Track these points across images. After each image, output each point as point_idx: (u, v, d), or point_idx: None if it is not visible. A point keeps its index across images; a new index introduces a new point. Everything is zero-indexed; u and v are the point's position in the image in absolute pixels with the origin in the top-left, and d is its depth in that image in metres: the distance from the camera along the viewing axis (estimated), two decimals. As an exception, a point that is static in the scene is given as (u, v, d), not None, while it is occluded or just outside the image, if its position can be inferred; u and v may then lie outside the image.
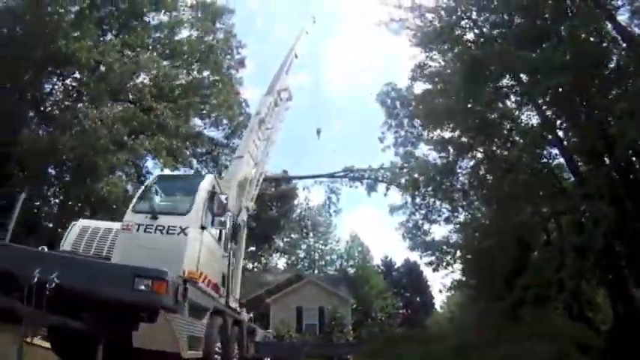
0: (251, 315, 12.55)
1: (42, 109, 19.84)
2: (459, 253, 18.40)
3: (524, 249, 14.88)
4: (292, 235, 46.14)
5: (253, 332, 11.05)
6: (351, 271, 42.61)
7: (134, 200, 6.99)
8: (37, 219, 17.02)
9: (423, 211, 19.03)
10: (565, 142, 12.97)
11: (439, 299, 48.59)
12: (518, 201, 13.21)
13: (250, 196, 12.49)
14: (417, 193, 18.21)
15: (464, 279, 20.15)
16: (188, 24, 22.03)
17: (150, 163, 20.66)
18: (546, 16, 12.03)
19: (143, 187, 7.23)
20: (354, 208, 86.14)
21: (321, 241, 50.21)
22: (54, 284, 4.67)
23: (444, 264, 18.91)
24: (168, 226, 6.20)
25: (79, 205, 17.64)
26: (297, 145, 60.41)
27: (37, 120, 19.64)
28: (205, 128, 23.93)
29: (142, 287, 4.66)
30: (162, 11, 21.09)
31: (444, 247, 18.88)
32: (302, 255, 50.88)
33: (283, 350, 13.21)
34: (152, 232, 6.22)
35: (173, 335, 5.19)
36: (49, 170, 18.60)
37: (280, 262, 48.60)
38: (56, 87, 20.72)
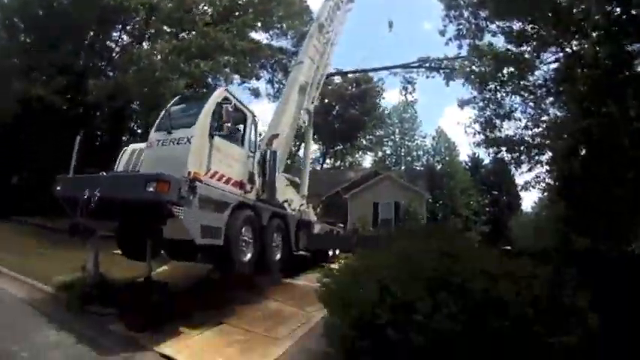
0: (311, 208, 13.48)
1: (111, 59, 22.60)
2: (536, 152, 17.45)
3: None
4: (376, 133, 46.43)
5: (308, 225, 11.89)
6: (438, 167, 42.33)
7: (157, 121, 7.94)
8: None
9: (494, 107, 18.01)
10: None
11: (528, 199, 47.09)
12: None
13: (311, 99, 13.01)
14: (485, 87, 17.26)
15: (548, 180, 19.13)
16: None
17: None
18: None
19: (164, 109, 8.02)
20: (442, 107, 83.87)
21: (407, 138, 50.07)
22: (97, 198, 6.26)
23: (522, 162, 18.11)
24: (179, 138, 7.12)
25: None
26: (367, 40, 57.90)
27: (109, 69, 22.38)
28: (272, 40, 24.91)
29: (151, 188, 5.88)
30: None
31: (520, 146, 17.90)
32: (389, 152, 51.39)
33: (334, 241, 14.13)
34: (167, 145, 7.24)
35: (184, 225, 6.18)
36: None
37: (367, 159, 49.56)
38: (121, 36, 23.34)
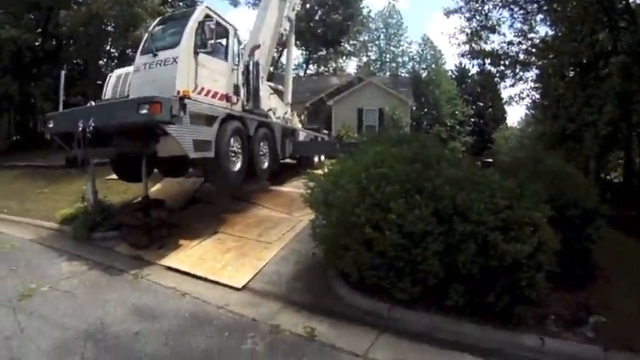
0: (295, 116, 13.78)
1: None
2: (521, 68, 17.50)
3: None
4: (360, 38, 45.25)
5: (293, 133, 12.34)
6: (423, 74, 41.85)
7: (141, 44, 8.00)
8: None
9: (480, 19, 17.73)
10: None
11: (512, 114, 47.18)
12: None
13: (292, 5, 12.78)
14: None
15: (533, 97, 19.29)
16: None
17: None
18: None
19: (147, 32, 8.05)
20: (430, 12, 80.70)
21: (392, 43, 49.03)
22: (91, 127, 6.56)
23: (507, 77, 18.20)
24: (165, 59, 7.25)
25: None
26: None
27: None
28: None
29: (144, 111, 6.17)
30: None
31: (504, 60, 17.86)
32: (373, 57, 50.46)
33: (319, 148, 14.53)
34: (154, 67, 7.36)
35: (177, 142, 6.55)
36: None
37: (351, 65, 48.64)
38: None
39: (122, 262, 7.14)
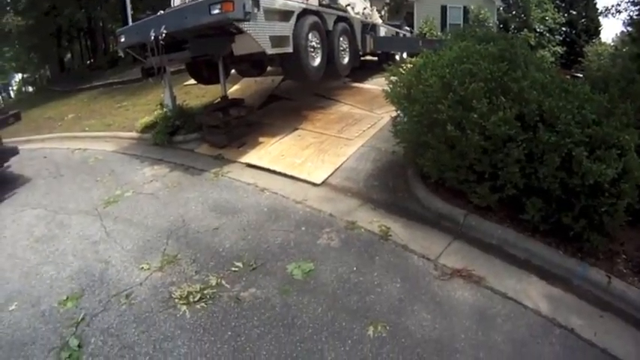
0: (375, 11, 12.98)
1: None
2: None
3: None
4: None
5: (374, 28, 11.66)
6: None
7: None
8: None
9: None
10: None
11: (607, 29, 41.58)
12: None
13: None
14: None
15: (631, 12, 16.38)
16: None
17: None
18: None
19: None
20: None
21: None
22: (164, 34, 6.48)
23: None
24: None
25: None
26: None
27: None
28: None
29: (216, 11, 5.98)
30: None
31: None
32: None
33: (401, 44, 13.80)
34: None
35: (254, 39, 6.35)
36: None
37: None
38: None
39: (203, 162, 7.32)
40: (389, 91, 5.81)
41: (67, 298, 3.92)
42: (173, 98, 9.18)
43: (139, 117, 10.05)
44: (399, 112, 5.75)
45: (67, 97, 17.80)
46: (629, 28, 18.91)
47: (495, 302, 3.74)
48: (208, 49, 7.02)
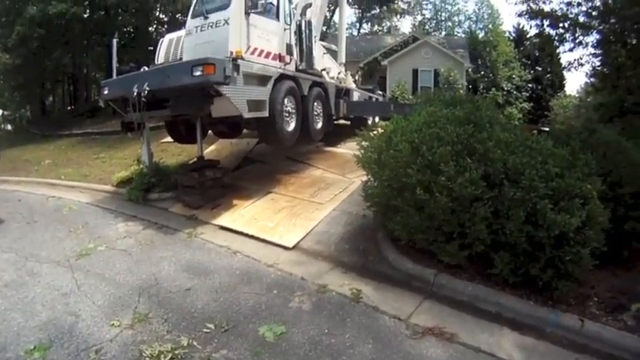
0: (349, 76, 13.51)
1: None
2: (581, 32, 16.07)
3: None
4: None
5: (347, 93, 12.08)
6: (480, 35, 39.72)
7: (191, 8, 7.99)
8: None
9: None
10: None
11: (571, 82, 44.11)
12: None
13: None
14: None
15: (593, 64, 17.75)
16: None
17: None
18: None
19: None
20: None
21: (448, 1, 47.17)
22: (146, 91, 6.66)
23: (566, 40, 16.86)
24: (216, 21, 7.26)
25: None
26: None
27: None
28: None
29: (198, 73, 6.23)
30: None
31: (563, 22, 16.45)
32: (428, 16, 48.83)
33: (373, 109, 14.34)
34: (206, 30, 7.42)
35: (231, 102, 6.62)
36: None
37: (405, 24, 47.26)
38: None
39: (177, 221, 7.37)
40: (360, 156, 6.02)
41: (35, 347, 3.80)
42: (150, 155, 9.31)
43: (116, 170, 10.16)
44: (369, 176, 5.93)
45: (46, 141, 17.94)
46: (592, 79, 20.08)
47: (468, 357, 3.79)
48: (188, 109, 7.24)
